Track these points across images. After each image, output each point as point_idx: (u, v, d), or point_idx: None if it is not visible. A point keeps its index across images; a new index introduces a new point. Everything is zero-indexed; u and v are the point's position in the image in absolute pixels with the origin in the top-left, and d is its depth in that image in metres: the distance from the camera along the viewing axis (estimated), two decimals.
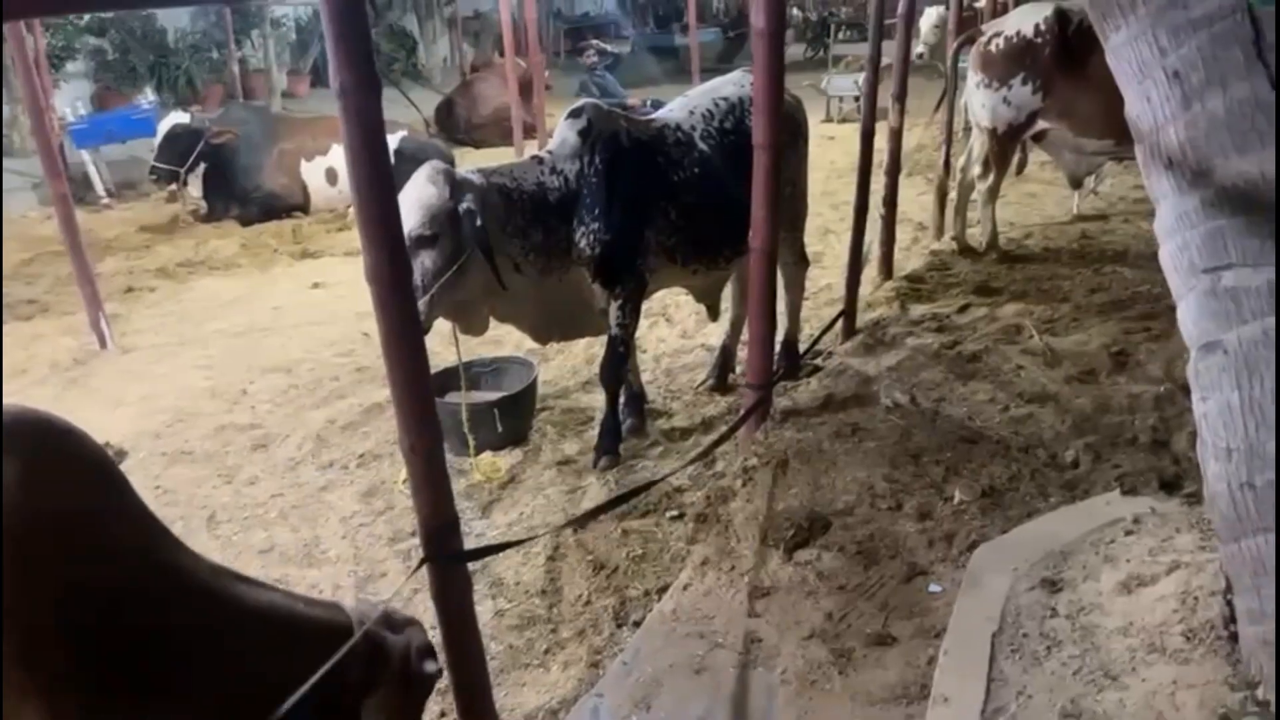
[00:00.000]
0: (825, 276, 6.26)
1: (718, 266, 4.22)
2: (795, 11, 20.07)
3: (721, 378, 4.79)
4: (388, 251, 1.84)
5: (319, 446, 4.49)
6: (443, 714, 2.86)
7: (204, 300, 6.85)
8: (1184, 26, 2.04)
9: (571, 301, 3.86)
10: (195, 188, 8.65)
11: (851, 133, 6.92)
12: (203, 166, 8.50)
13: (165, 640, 1.57)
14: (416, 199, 3.45)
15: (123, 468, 4.37)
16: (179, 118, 8.61)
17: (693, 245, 4.03)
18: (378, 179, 1.80)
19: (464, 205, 3.44)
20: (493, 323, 3.95)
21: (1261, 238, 2.00)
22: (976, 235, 6.53)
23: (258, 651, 1.65)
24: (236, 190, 8.62)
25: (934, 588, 2.99)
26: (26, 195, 9.30)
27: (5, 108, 10.28)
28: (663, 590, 3.31)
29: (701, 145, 4.03)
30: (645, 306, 5.57)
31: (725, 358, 4.82)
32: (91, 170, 9.41)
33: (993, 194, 6.27)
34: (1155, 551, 2.77)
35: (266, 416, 4.89)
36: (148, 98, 10.80)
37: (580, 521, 3.50)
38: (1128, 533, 2.96)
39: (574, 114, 3.84)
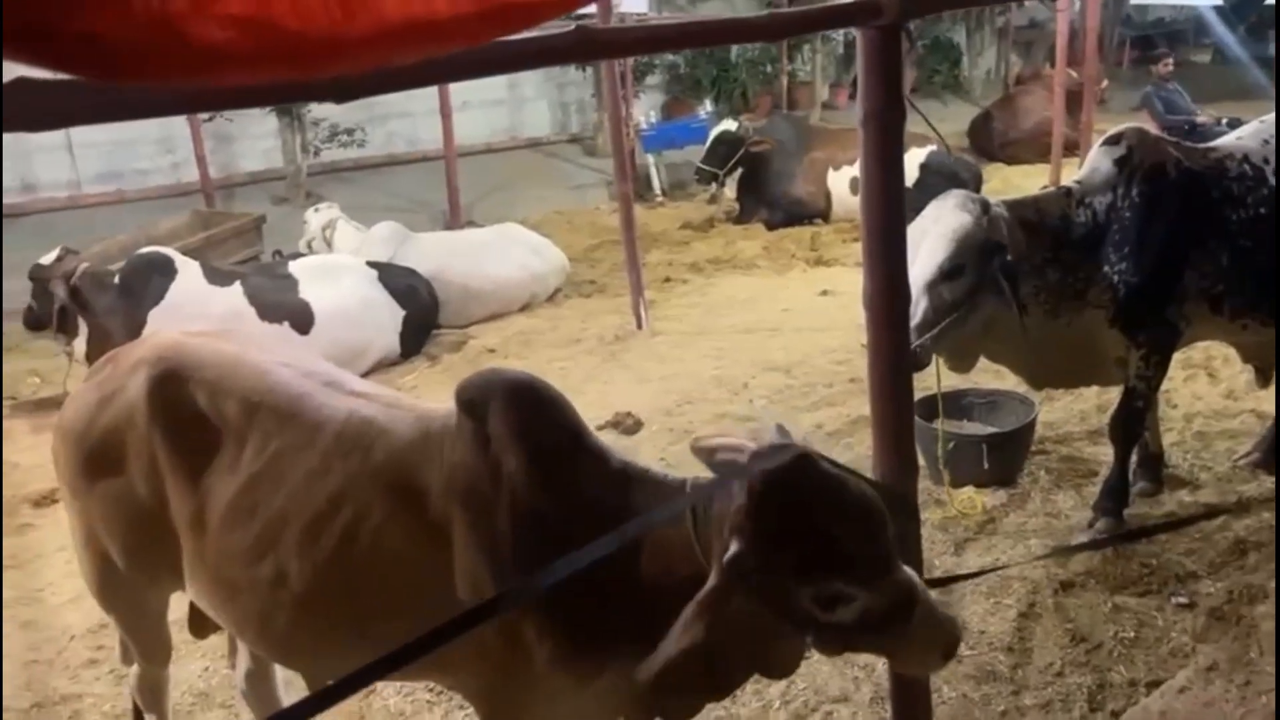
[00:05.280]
0: None
1: (1275, 324, 3.53)
2: None
3: (1272, 454, 4.01)
4: (888, 276, 1.84)
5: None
6: None
7: (724, 295, 7.44)
8: None
9: (1078, 347, 3.49)
10: (731, 190, 9.43)
11: None
12: (740, 171, 9.23)
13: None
14: (948, 229, 3.26)
15: (638, 437, 5.04)
16: (728, 125, 9.43)
17: (1245, 297, 3.42)
18: (889, 205, 1.80)
19: (995, 239, 3.27)
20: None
21: None
22: None
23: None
24: (766, 195, 9.21)
25: None
26: (599, 191, 10.90)
27: (593, 114, 12.15)
28: (1153, 684, 2.91)
29: (1274, 181, 3.38)
30: (1184, 356, 4.89)
31: None
32: (653, 172, 10.72)
33: None
34: None
35: (761, 412, 5.18)
36: (706, 108, 11.97)
37: (1059, 554, 3.19)
38: None
39: (1112, 140, 3.47)
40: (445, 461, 1.97)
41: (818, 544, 1.64)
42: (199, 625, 2.52)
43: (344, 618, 2.05)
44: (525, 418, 1.93)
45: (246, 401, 2.16)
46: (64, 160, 9.60)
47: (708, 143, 9.42)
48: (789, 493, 1.64)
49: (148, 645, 2.55)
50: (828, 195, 9.08)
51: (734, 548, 1.63)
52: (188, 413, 2.18)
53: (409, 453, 2.02)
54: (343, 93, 1.12)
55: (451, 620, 1.58)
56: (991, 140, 11.52)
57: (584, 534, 1.70)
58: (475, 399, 1.96)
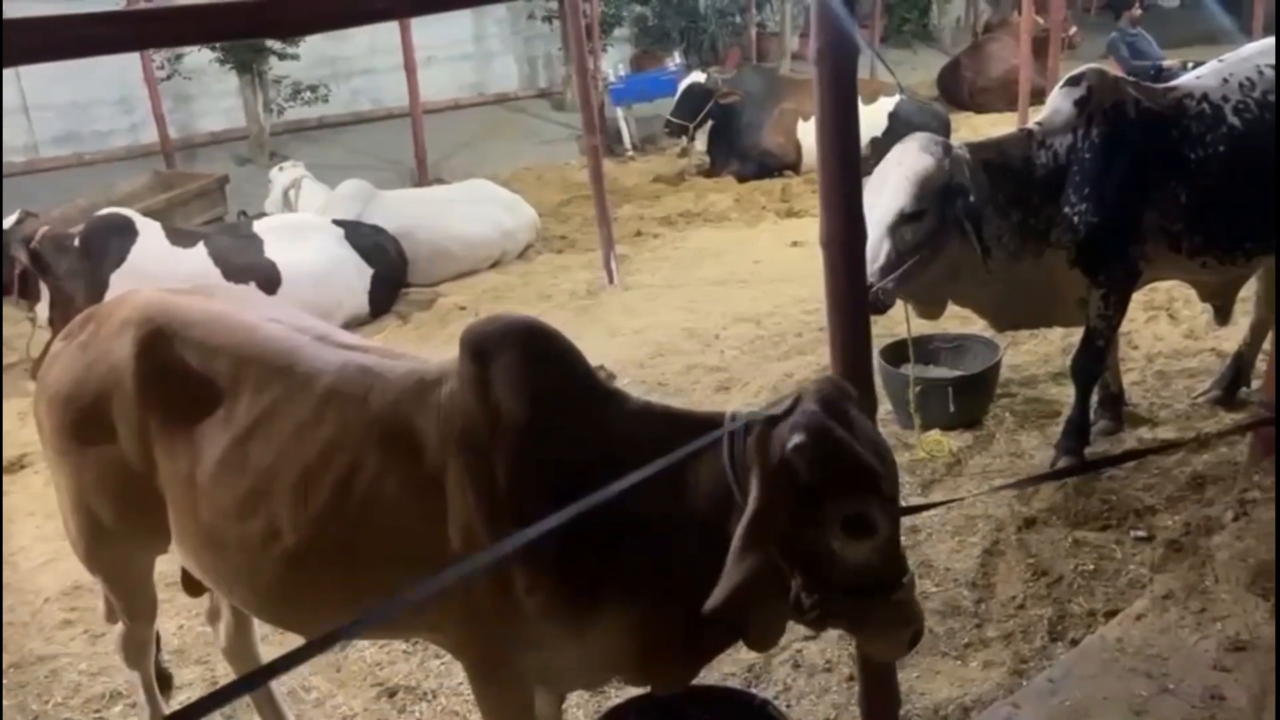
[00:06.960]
0: None
1: (1234, 262, 3.59)
2: None
3: (1230, 391, 4.10)
4: (844, 217, 1.85)
5: (775, 397, 4.68)
6: (851, 678, 2.89)
7: (696, 249, 7.44)
8: None
9: (1041, 289, 3.54)
10: (701, 143, 9.37)
11: None
12: (710, 124, 9.16)
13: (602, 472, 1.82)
14: (910, 171, 3.29)
15: None
16: (697, 77, 9.34)
17: (1204, 235, 3.47)
18: (844, 145, 1.81)
19: (957, 181, 3.29)
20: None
21: None
22: None
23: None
24: (737, 147, 9.17)
25: None
26: (570, 146, 10.80)
27: (560, 68, 11.99)
28: (1111, 614, 3.00)
29: (1233, 120, 3.42)
30: (1146, 298, 4.96)
31: (1239, 368, 4.10)
32: (623, 126, 10.63)
33: None
34: None
35: (732, 361, 5.22)
36: (675, 60, 11.83)
37: (1017, 485, 3.27)
38: None
39: (1072, 81, 3.49)
40: (443, 408, 1.95)
41: (857, 462, 1.70)
42: (193, 584, 2.47)
43: (336, 568, 2.03)
44: (530, 363, 1.90)
45: (237, 358, 2.12)
46: (20, 123, 9.38)
47: (677, 95, 9.34)
48: (836, 411, 1.72)
49: (134, 604, 2.52)
50: (798, 146, 9.05)
51: (795, 439, 1.67)
52: (177, 372, 2.14)
53: (404, 401, 2.00)
54: (286, 28, 1.10)
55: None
56: (961, 88, 11.50)
57: (592, 479, 1.71)
58: (481, 344, 1.93)
